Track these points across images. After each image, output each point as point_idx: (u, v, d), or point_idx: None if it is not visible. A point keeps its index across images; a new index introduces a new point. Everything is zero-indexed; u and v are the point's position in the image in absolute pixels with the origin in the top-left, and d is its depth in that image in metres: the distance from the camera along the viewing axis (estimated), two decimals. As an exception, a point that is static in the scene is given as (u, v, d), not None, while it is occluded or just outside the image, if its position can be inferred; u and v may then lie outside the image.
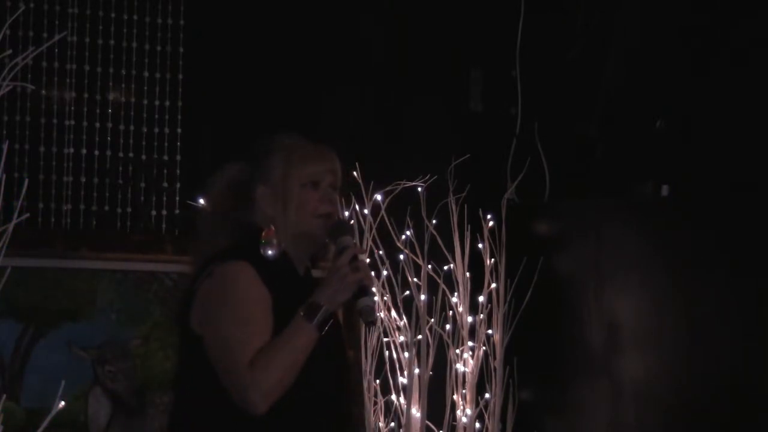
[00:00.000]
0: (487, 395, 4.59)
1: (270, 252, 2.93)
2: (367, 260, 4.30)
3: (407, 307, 4.46)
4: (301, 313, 2.83)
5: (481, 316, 4.59)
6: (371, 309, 2.86)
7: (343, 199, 3.06)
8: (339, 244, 2.91)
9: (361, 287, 2.86)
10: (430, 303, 4.45)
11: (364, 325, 3.91)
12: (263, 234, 2.94)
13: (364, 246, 4.36)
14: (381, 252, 4.44)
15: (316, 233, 2.95)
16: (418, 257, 4.43)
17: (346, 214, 4.12)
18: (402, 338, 4.46)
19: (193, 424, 2.92)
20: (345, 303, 2.90)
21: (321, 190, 2.97)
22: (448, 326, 4.53)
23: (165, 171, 4.36)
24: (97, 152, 4.28)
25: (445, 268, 4.57)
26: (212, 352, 2.86)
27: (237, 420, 2.82)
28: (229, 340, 2.83)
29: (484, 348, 4.60)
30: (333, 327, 2.91)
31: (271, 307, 2.86)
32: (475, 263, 4.61)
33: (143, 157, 4.34)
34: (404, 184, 4.42)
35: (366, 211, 4.36)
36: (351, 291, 2.86)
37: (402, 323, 4.46)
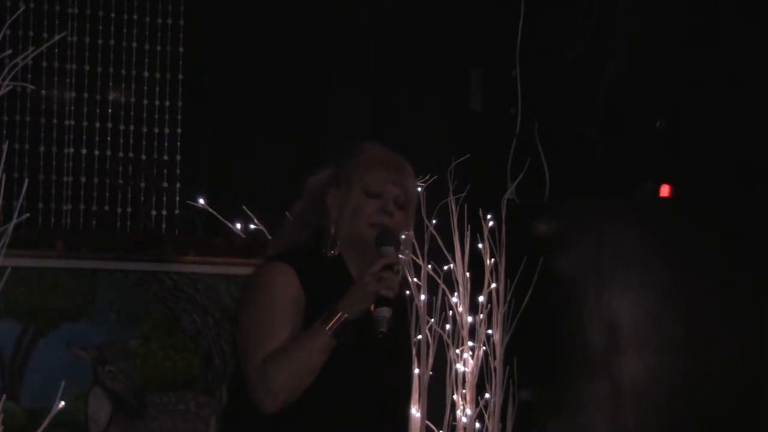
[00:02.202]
0: (487, 395, 4.58)
1: (328, 252, 2.95)
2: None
3: (407, 307, 4.46)
4: (322, 318, 2.83)
5: (481, 316, 4.59)
6: (383, 320, 2.83)
7: (409, 217, 3.04)
8: (380, 253, 2.90)
9: (380, 297, 2.84)
10: (430, 303, 4.45)
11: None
12: (330, 235, 2.97)
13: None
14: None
15: (367, 239, 2.93)
16: (418, 257, 4.43)
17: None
18: (402, 338, 4.45)
19: (232, 416, 2.97)
20: (364, 312, 2.85)
21: (382, 200, 2.96)
22: (448, 326, 4.53)
23: (165, 171, 4.36)
24: (97, 152, 4.28)
25: (445, 268, 4.56)
26: (237, 350, 2.91)
27: (260, 417, 2.84)
28: (248, 339, 2.88)
29: (484, 348, 4.60)
30: (386, 341, 2.87)
31: (302, 311, 2.88)
32: (475, 263, 4.61)
33: (143, 157, 4.34)
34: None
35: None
36: (369, 300, 2.84)
37: (402, 323, 4.45)
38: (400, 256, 2.96)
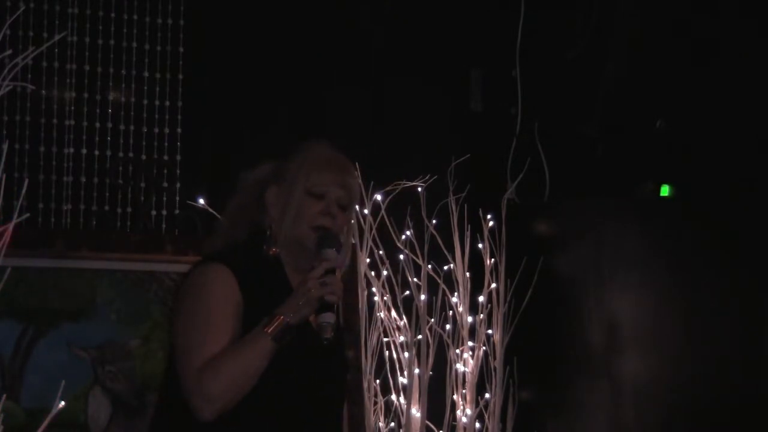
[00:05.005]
0: (487, 395, 4.58)
1: (269, 250, 2.92)
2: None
3: (407, 307, 4.46)
4: (263, 323, 2.80)
5: (481, 316, 4.59)
6: (328, 326, 2.82)
7: (352, 220, 3.03)
8: (321, 256, 2.88)
9: (323, 303, 2.82)
10: (430, 303, 4.44)
11: (364, 329, 3.91)
12: (268, 233, 2.94)
13: (364, 246, 4.37)
14: (381, 252, 4.44)
15: (307, 243, 2.90)
16: (418, 257, 4.43)
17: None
18: (402, 338, 4.46)
19: (167, 424, 2.92)
20: (306, 317, 2.84)
21: (325, 202, 2.93)
22: (448, 326, 4.53)
23: (165, 171, 4.36)
24: (97, 152, 4.28)
25: (445, 268, 4.56)
26: (173, 353, 2.87)
27: (196, 423, 2.80)
28: (184, 343, 2.83)
29: (484, 348, 4.59)
30: (324, 347, 2.85)
31: (240, 314, 2.84)
32: (475, 263, 4.61)
33: (143, 157, 4.34)
34: (404, 184, 4.42)
35: (366, 211, 4.36)
36: (313, 306, 2.81)
37: (402, 323, 4.46)
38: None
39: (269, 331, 2.78)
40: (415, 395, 4.42)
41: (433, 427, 4.49)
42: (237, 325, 2.83)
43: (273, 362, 2.79)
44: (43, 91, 4.19)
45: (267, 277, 2.90)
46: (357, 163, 3.15)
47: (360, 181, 3.13)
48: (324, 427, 2.95)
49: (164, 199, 4.35)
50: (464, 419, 4.56)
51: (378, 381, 4.44)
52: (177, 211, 4.35)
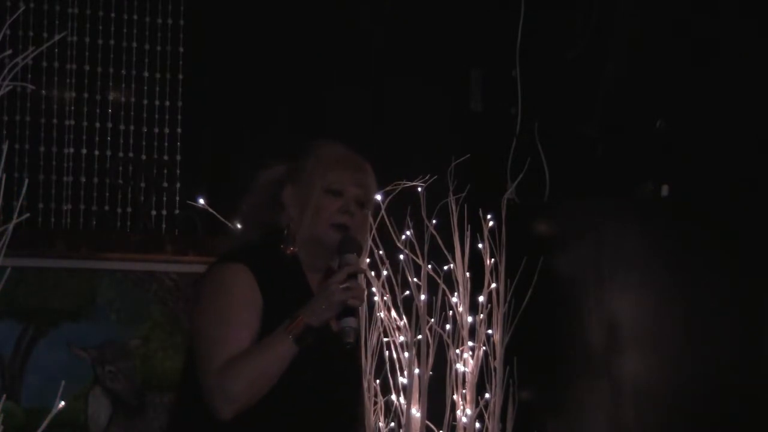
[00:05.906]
0: (487, 395, 4.59)
1: (287, 249, 2.93)
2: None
3: (407, 307, 4.46)
4: (284, 325, 2.80)
5: (481, 316, 4.59)
6: (351, 331, 2.81)
7: (368, 216, 3.03)
8: (342, 260, 2.88)
9: (346, 307, 2.82)
10: (430, 303, 4.45)
11: (364, 329, 3.90)
12: (286, 233, 2.94)
13: (364, 246, 4.37)
14: (381, 252, 4.44)
15: (326, 242, 2.91)
16: (418, 257, 4.43)
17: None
18: (402, 338, 4.46)
19: (184, 422, 2.92)
20: (328, 321, 2.84)
21: (343, 200, 2.92)
22: (448, 326, 4.53)
23: (165, 171, 4.37)
24: (97, 152, 4.28)
25: (445, 268, 4.56)
26: (194, 352, 2.87)
27: (213, 423, 2.80)
28: (205, 342, 2.83)
29: (484, 348, 4.60)
30: (343, 351, 2.85)
31: (260, 314, 2.84)
32: (475, 263, 4.61)
33: (143, 157, 4.34)
34: (404, 184, 4.42)
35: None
36: (335, 309, 2.81)
37: (402, 323, 4.46)
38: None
39: (291, 333, 2.78)
40: (415, 395, 4.42)
41: (433, 427, 4.49)
42: (257, 324, 2.83)
43: (291, 363, 2.80)
44: (43, 91, 4.19)
45: (285, 276, 2.91)
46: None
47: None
48: (338, 429, 2.95)
49: (164, 199, 4.35)
50: (464, 419, 4.56)
51: (378, 381, 4.44)
52: (177, 211, 4.36)
